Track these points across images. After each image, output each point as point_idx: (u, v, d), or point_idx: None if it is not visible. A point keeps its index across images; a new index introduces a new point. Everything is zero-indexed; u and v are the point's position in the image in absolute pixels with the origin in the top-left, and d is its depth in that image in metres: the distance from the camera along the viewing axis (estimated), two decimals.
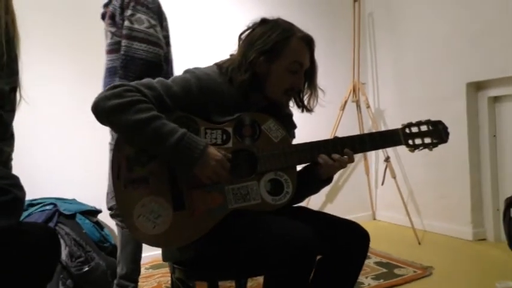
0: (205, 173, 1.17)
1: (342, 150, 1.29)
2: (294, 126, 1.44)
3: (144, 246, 2.73)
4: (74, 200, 2.52)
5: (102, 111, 1.16)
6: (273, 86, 1.31)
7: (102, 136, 2.73)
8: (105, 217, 2.62)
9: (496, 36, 2.72)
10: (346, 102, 3.36)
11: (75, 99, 2.71)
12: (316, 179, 1.33)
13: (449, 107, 3.03)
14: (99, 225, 2.43)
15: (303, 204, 1.44)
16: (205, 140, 1.22)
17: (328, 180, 1.35)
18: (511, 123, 2.83)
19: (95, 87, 2.76)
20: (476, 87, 2.99)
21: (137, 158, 1.20)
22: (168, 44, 1.99)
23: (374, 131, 3.28)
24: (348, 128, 3.28)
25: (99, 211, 2.52)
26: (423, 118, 1.38)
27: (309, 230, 1.11)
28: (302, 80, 1.34)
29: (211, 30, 3.18)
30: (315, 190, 1.40)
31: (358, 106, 3.47)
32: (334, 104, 3.25)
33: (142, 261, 2.77)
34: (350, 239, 1.26)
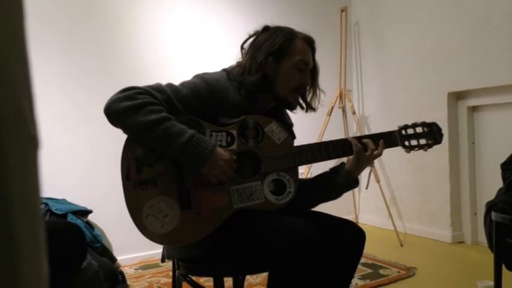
0: (213, 172, 1.22)
1: (344, 150, 1.35)
2: (294, 137, 1.47)
3: (130, 248, 2.78)
4: (64, 200, 2.52)
5: (115, 112, 1.20)
6: (282, 85, 1.37)
7: (92, 136, 2.76)
8: (95, 217, 2.63)
9: (476, 49, 2.87)
10: (332, 108, 3.46)
11: (66, 98, 2.71)
12: (348, 180, 1.36)
13: (431, 115, 3.13)
14: (90, 226, 2.43)
15: None
16: (213, 141, 1.27)
17: (357, 182, 1.39)
18: (489, 131, 2.98)
19: (86, 85, 2.78)
20: (456, 97, 3.13)
21: (145, 160, 1.24)
22: None
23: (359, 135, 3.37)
24: (334, 133, 3.38)
25: (90, 211, 2.52)
26: (402, 125, 1.41)
27: (310, 223, 1.17)
28: (309, 77, 1.41)
29: (205, 39, 3.23)
30: (340, 193, 1.43)
31: (344, 112, 3.58)
32: (321, 109, 3.34)
33: (131, 262, 2.80)
34: (348, 237, 1.33)
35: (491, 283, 1.84)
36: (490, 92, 2.88)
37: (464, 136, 3.09)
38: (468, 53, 2.92)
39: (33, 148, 0.34)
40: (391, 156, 3.50)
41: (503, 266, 1.87)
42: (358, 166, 1.35)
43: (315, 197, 1.44)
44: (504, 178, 1.99)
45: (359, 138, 1.37)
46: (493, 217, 1.83)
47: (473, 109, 3.08)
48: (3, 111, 0.30)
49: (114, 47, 2.91)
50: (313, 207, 1.47)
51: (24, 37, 0.34)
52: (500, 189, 1.96)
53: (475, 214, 3.05)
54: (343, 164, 1.41)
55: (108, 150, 2.70)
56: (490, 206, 1.95)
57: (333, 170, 1.42)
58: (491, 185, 2.35)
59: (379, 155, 1.35)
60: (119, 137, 1.29)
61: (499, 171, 2.02)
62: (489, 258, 1.89)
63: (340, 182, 1.38)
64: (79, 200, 2.57)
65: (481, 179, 3.04)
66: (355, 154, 1.34)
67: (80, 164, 2.73)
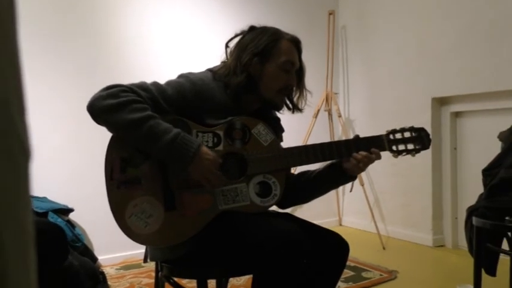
0: (198, 171, 1.20)
1: (332, 153, 1.34)
2: (282, 130, 1.49)
3: (111, 248, 2.74)
4: (45, 198, 2.47)
5: (98, 110, 1.18)
6: (268, 85, 1.36)
7: (73, 134, 2.71)
8: (76, 216, 2.58)
9: (460, 56, 2.91)
10: (319, 110, 3.47)
11: (49, 95, 2.66)
12: (343, 174, 1.36)
13: (415, 120, 3.17)
14: (71, 225, 2.39)
15: (287, 210, 1.50)
16: (199, 140, 1.25)
17: (354, 177, 1.38)
18: (471, 137, 3.03)
19: (70, 83, 2.74)
20: (440, 102, 3.17)
21: (130, 159, 1.23)
22: None
23: (344, 138, 3.40)
24: (320, 135, 3.40)
25: (71, 210, 2.48)
26: (390, 129, 1.40)
27: (297, 226, 1.17)
28: (295, 78, 1.39)
29: (192, 38, 3.21)
30: (338, 185, 1.46)
31: (330, 115, 3.60)
32: (307, 112, 3.36)
33: (112, 262, 2.76)
34: (332, 247, 1.32)
35: (471, 287, 1.87)
36: (472, 99, 2.93)
37: (447, 141, 3.14)
38: (452, 60, 2.97)
39: (25, 161, 0.33)
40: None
41: (483, 271, 1.91)
42: (360, 170, 1.35)
43: (311, 193, 1.44)
44: (485, 184, 2.03)
45: (330, 146, 1.35)
46: (473, 222, 1.86)
47: (456, 115, 3.13)
48: None
49: (99, 45, 2.87)
50: (307, 201, 1.47)
51: (17, 46, 0.33)
52: (481, 194, 2.00)
53: (456, 218, 3.10)
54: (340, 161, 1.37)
55: (91, 148, 2.67)
56: (471, 211, 1.98)
57: (331, 167, 1.39)
58: (473, 190, 2.40)
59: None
60: (103, 134, 1.26)
61: (480, 176, 2.06)
62: (469, 262, 1.92)
63: (340, 180, 1.39)
64: (60, 198, 2.52)
65: (463, 184, 3.09)
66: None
67: (61, 161, 2.68)
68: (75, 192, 2.66)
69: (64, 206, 2.46)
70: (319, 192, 1.44)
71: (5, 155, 0.30)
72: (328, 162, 1.39)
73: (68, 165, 2.70)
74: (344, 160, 1.33)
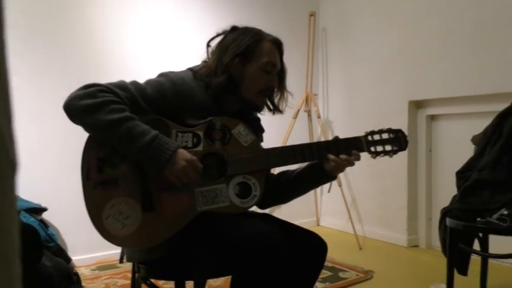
0: (175, 174, 1.19)
1: (311, 154, 1.35)
2: (262, 130, 1.49)
3: (86, 248, 2.69)
4: (17, 196, 2.39)
5: (75, 110, 1.16)
6: (248, 86, 1.35)
7: (48, 132, 2.64)
8: (50, 215, 2.52)
9: (437, 61, 2.98)
10: (298, 111, 3.49)
11: (25, 92, 2.58)
12: (323, 175, 1.36)
13: (392, 122, 3.20)
14: (44, 224, 2.33)
15: (266, 211, 1.50)
16: (177, 142, 1.24)
17: (334, 177, 1.39)
18: (445, 139, 3.11)
19: (46, 80, 2.67)
20: (416, 105, 3.24)
21: (107, 160, 1.20)
22: None
23: (323, 139, 3.43)
24: (299, 136, 3.42)
25: (45, 209, 2.42)
26: (369, 130, 1.42)
27: (278, 230, 1.17)
28: (276, 80, 1.39)
29: (172, 36, 3.17)
30: (315, 187, 1.47)
31: (310, 116, 3.62)
32: (288, 112, 3.37)
33: (87, 263, 2.71)
34: (310, 247, 1.33)
35: (444, 286, 1.92)
36: (448, 102, 3.01)
37: (422, 143, 3.20)
38: (429, 64, 3.03)
39: (12, 173, 0.32)
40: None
41: (455, 270, 1.96)
42: (340, 171, 1.36)
43: (291, 193, 1.45)
44: (458, 186, 2.08)
45: (310, 147, 1.36)
46: (447, 223, 1.90)
47: (432, 118, 3.20)
48: None
49: (75, 42, 2.80)
50: (287, 201, 1.48)
51: (4, 53, 0.31)
52: (455, 196, 2.05)
53: (430, 219, 3.17)
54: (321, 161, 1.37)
55: (66, 146, 2.61)
56: (445, 212, 2.03)
57: (311, 167, 1.40)
58: (447, 191, 2.45)
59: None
60: (78, 132, 1.24)
61: (454, 178, 2.11)
62: (442, 262, 1.97)
63: (321, 180, 1.40)
64: (33, 197, 2.45)
65: (437, 186, 3.16)
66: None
67: (35, 159, 2.60)
68: (49, 191, 2.59)
69: (37, 205, 2.39)
70: (300, 192, 1.45)
71: None
72: (309, 162, 1.40)
73: (42, 163, 2.63)
74: (324, 160, 1.34)
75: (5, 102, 0.31)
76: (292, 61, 3.79)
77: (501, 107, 2.07)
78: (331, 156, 1.32)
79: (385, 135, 1.40)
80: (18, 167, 0.33)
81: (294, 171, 1.44)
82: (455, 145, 2.96)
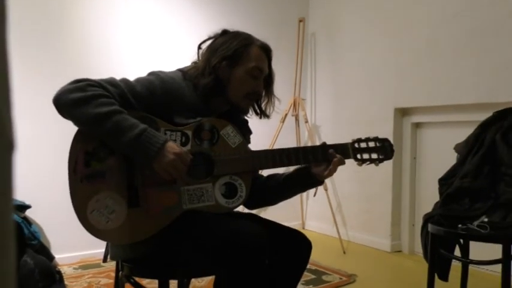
0: (163, 167, 1.19)
1: (298, 159, 1.37)
2: (250, 132, 1.51)
3: (69, 247, 2.66)
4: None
5: (64, 104, 1.16)
6: (235, 90, 1.37)
7: (31, 128, 2.61)
8: (33, 212, 2.49)
9: (421, 70, 3.04)
10: (286, 115, 3.52)
11: None
12: (311, 179, 1.39)
13: (378, 129, 3.29)
14: (28, 221, 2.30)
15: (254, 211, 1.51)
16: (166, 136, 1.25)
17: (321, 182, 1.41)
18: (429, 147, 3.16)
19: (31, 76, 2.64)
20: (402, 113, 3.29)
21: (95, 153, 1.21)
22: None
23: (310, 143, 3.46)
24: (286, 140, 3.44)
25: (28, 206, 2.39)
26: (355, 137, 1.45)
27: (262, 230, 1.18)
28: (262, 85, 1.41)
29: (161, 37, 3.17)
30: (302, 191, 1.49)
31: (297, 120, 3.65)
32: (275, 116, 3.40)
33: (70, 261, 2.68)
34: (294, 246, 1.35)
35: None
36: (432, 111, 3.06)
37: (407, 151, 3.25)
38: (414, 73, 3.09)
39: (10, 154, 0.33)
40: (340, 166, 3.61)
41: (436, 276, 1.99)
42: (330, 175, 1.38)
43: (278, 196, 1.47)
44: (441, 192, 2.12)
45: (296, 152, 1.38)
46: (429, 229, 1.94)
47: (417, 125, 3.25)
48: None
49: (63, 39, 2.79)
50: (274, 204, 1.50)
51: (5, 40, 0.32)
52: (437, 202, 2.09)
53: (413, 225, 3.22)
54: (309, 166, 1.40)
55: (51, 142, 2.59)
56: (427, 219, 2.07)
57: (298, 171, 1.42)
58: (429, 198, 2.50)
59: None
60: (64, 128, 1.24)
61: (437, 185, 2.15)
62: (424, 267, 2.01)
63: (308, 185, 1.42)
64: (17, 194, 2.42)
65: (420, 192, 3.21)
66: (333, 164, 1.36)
67: (19, 156, 2.57)
68: (32, 187, 2.57)
69: (21, 202, 2.36)
70: (287, 195, 1.47)
71: None
72: (297, 166, 1.42)
73: (26, 160, 2.60)
74: (313, 164, 1.36)
75: (5, 89, 0.32)
76: (281, 65, 3.81)
77: (484, 116, 2.12)
78: (335, 157, 1.34)
79: (371, 144, 1.42)
80: (15, 149, 0.33)
81: (282, 174, 1.46)
82: (439, 153, 3.02)
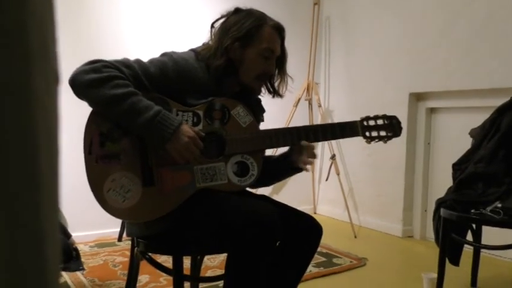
0: (177, 149, 1.21)
1: (307, 136, 1.38)
2: (263, 110, 1.51)
3: (85, 225, 2.73)
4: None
5: (80, 84, 1.18)
6: (247, 71, 1.37)
7: None
8: None
9: (438, 54, 2.99)
10: (299, 99, 3.51)
11: None
12: (290, 167, 1.42)
13: (392, 113, 3.26)
14: None
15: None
16: (180, 118, 1.26)
17: (299, 169, 1.43)
18: (444, 132, 3.13)
19: None
20: (417, 98, 3.25)
21: (110, 134, 1.23)
22: None
23: None
24: (299, 124, 3.42)
25: None
26: (365, 115, 1.46)
27: (274, 209, 1.20)
28: (274, 66, 1.41)
29: (172, 21, 3.17)
30: (286, 176, 1.51)
31: (310, 104, 3.64)
32: (288, 100, 3.39)
33: (86, 240, 2.76)
34: (305, 229, 1.36)
35: (435, 275, 1.96)
36: (448, 96, 3.02)
37: (421, 136, 3.23)
38: (430, 57, 3.04)
39: (56, 83, 0.37)
40: (351, 150, 3.61)
41: (447, 260, 1.99)
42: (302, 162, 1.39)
43: (269, 179, 1.49)
44: (454, 178, 2.11)
45: (306, 130, 1.41)
46: (441, 213, 1.93)
47: (432, 111, 3.21)
48: (34, 50, 0.33)
49: (69, 24, 2.81)
50: (269, 185, 1.54)
51: None
52: (450, 187, 2.08)
53: (425, 211, 3.21)
54: (290, 152, 1.43)
55: (68, 123, 2.63)
56: (440, 203, 2.06)
57: (281, 157, 1.47)
58: (443, 184, 2.48)
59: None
60: (81, 108, 1.26)
61: (450, 171, 2.14)
62: (435, 252, 2.01)
63: (287, 172, 1.46)
64: None
65: (434, 178, 3.19)
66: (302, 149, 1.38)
67: None
68: None
69: None
70: (274, 178, 1.52)
71: (40, 72, 0.34)
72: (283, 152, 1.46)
73: None
74: (294, 150, 1.40)
75: (52, 26, 0.36)
76: (295, 49, 3.78)
77: (500, 101, 2.09)
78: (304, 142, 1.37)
79: (380, 121, 1.43)
80: (60, 78, 0.38)
81: (270, 156, 1.50)
82: (454, 138, 2.98)
